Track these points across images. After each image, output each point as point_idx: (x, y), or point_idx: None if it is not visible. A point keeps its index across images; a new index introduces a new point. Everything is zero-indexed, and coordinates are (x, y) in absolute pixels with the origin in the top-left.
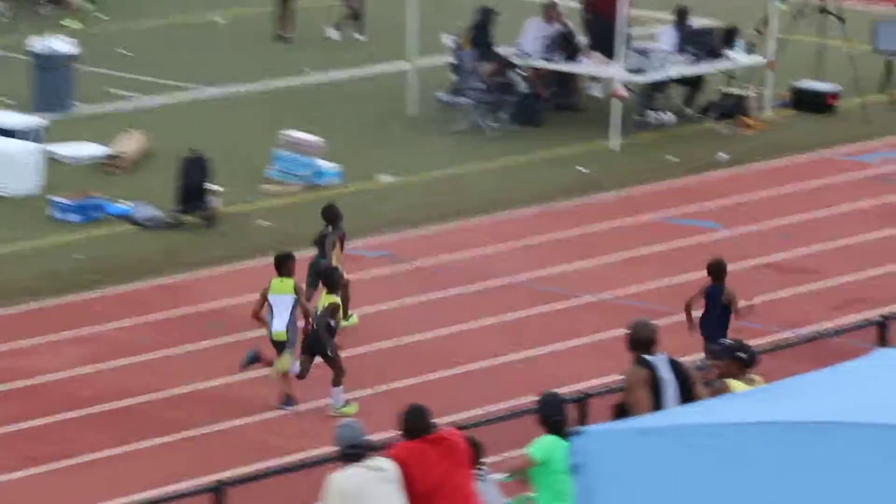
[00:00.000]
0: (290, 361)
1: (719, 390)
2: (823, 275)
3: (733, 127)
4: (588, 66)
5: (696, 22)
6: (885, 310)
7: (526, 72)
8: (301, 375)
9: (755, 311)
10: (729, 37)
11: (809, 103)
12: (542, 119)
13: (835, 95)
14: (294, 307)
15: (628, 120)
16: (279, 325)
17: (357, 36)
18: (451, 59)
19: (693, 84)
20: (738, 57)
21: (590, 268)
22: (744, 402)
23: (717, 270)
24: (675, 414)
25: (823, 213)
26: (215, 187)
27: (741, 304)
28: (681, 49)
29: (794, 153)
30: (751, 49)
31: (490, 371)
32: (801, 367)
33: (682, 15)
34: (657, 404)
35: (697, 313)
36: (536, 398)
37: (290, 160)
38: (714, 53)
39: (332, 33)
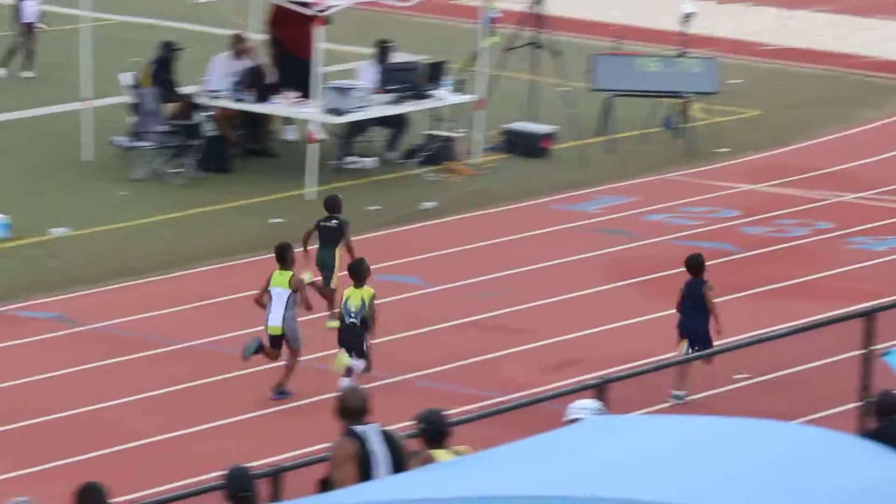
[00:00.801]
0: (346, 358)
1: (425, 460)
2: (536, 334)
3: (440, 173)
4: (281, 106)
5: (400, 57)
6: (602, 372)
7: (213, 112)
8: (349, 374)
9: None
10: (435, 73)
11: (522, 146)
12: (232, 165)
13: (549, 138)
14: (289, 300)
15: (325, 165)
16: (274, 320)
17: (25, 74)
18: (129, 98)
19: (396, 125)
20: (445, 96)
21: None
22: (444, 473)
23: (692, 265)
24: (367, 490)
25: (537, 266)
26: None
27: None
28: (382, 87)
29: (505, 201)
30: (459, 87)
31: (164, 445)
32: (512, 433)
33: (383, 50)
34: (367, 480)
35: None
36: (223, 472)
37: None
38: (419, 92)
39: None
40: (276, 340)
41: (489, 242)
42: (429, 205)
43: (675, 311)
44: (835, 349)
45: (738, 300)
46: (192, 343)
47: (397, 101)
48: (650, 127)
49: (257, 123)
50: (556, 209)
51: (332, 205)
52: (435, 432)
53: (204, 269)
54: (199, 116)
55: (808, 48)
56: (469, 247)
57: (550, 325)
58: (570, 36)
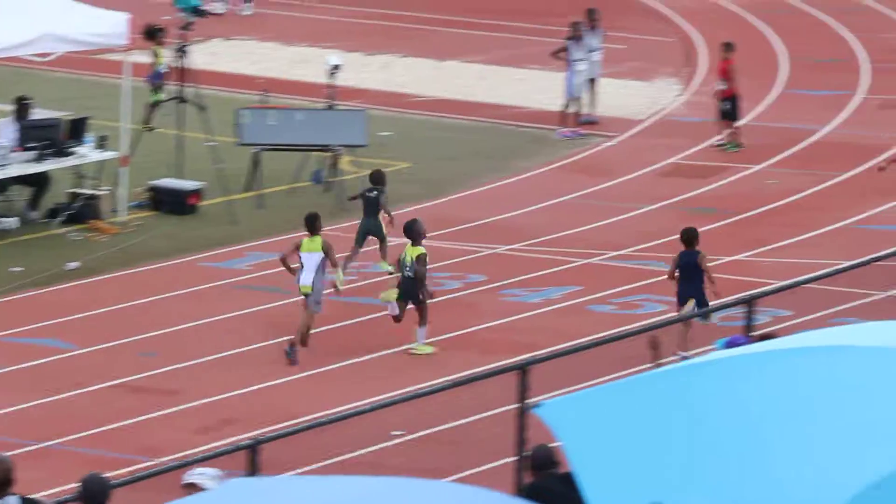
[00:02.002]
0: (394, 294)
1: None
2: (187, 395)
3: (84, 232)
4: None
5: (40, 114)
6: (256, 432)
7: None
8: (398, 318)
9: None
10: (77, 130)
11: (169, 203)
12: None
13: (197, 194)
14: (321, 263)
15: None
16: (306, 280)
17: None
18: None
19: (37, 184)
20: (87, 152)
21: None
22: None
23: (688, 237)
24: None
25: (187, 325)
26: None
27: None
28: (22, 145)
29: (153, 260)
30: (102, 143)
31: None
32: (161, 497)
33: (22, 106)
34: None
35: None
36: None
37: None
38: (60, 149)
39: None
40: (307, 297)
41: (137, 302)
42: (73, 265)
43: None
44: (491, 402)
45: (393, 356)
46: None
47: (38, 159)
48: (299, 181)
49: None
50: (206, 266)
51: (375, 177)
52: (93, 499)
53: None
54: None
55: (460, 99)
56: (116, 307)
57: (203, 385)
58: (216, 89)
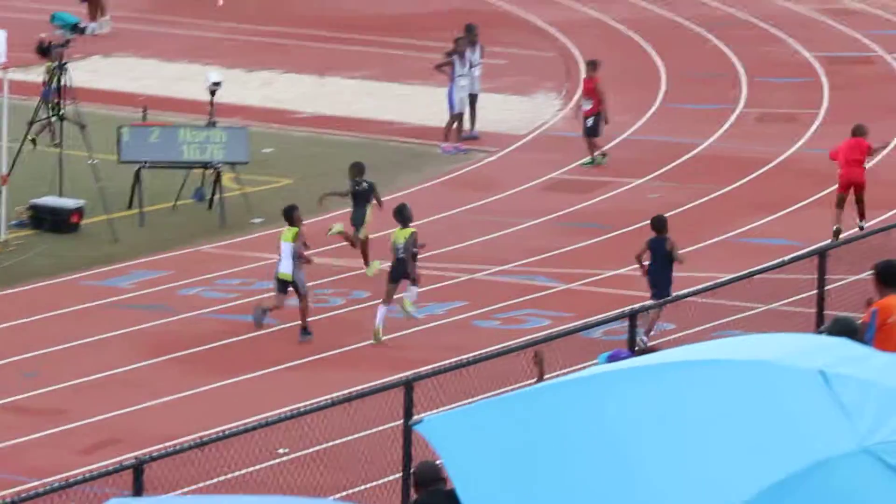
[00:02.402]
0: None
1: None
2: (70, 415)
3: None
4: None
5: None
6: (139, 452)
7: None
8: (387, 301)
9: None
10: None
11: (51, 222)
12: None
13: (78, 212)
14: (295, 252)
15: None
16: (285, 268)
17: None
18: None
19: None
20: None
21: None
22: None
23: (658, 224)
24: None
25: (70, 345)
26: None
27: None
28: None
29: (35, 279)
30: None
31: None
32: None
33: None
34: None
35: None
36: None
37: None
38: None
39: None
40: (284, 285)
41: (19, 322)
42: None
43: (635, 265)
44: (377, 419)
45: (277, 373)
46: None
47: None
48: (182, 199)
49: None
50: (88, 285)
51: (359, 170)
52: None
53: None
54: None
55: (343, 115)
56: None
57: (85, 406)
58: (96, 107)
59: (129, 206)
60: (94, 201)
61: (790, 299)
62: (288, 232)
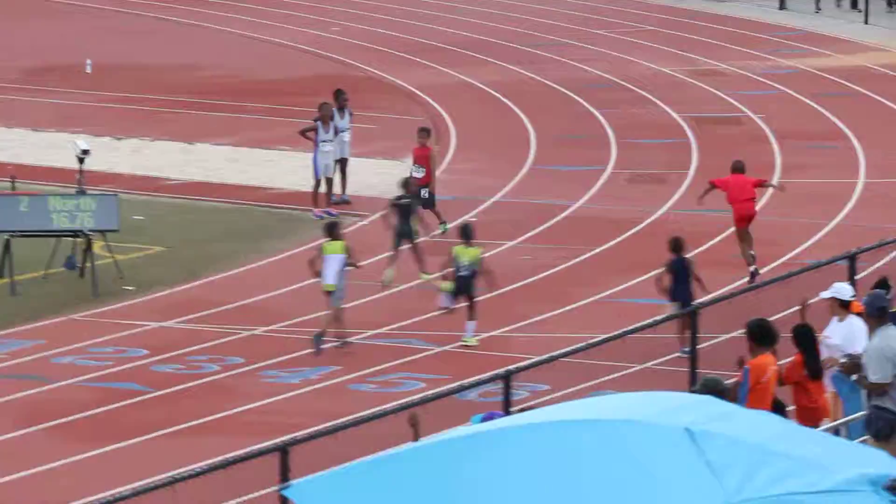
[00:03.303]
0: (449, 286)
1: None
2: None
3: None
4: None
5: None
6: None
7: None
8: (450, 309)
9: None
10: None
11: None
12: None
13: None
14: (343, 263)
15: None
16: (329, 279)
17: None
18: None
19: None
20: None
21: None
22: None
23: (676, 246)
24: None
25: None
26: None
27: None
28: None
29: None
30: None
31: None
32: None
33: None
34: None
35: None
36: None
37: None
38: None
39: None
40: (330, 294)
41: None
42: None
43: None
44: (252, 486)
45: (153, 440)
46: None
47: None
48: (53, 267)
49: None
50: None
51: (405, 183)
52: None
53: None
54: None
55: (211, 181)
56: None
57: None
58: None
59: (0, 276)
60: None
61: (663, 358)
62: (333, 245)
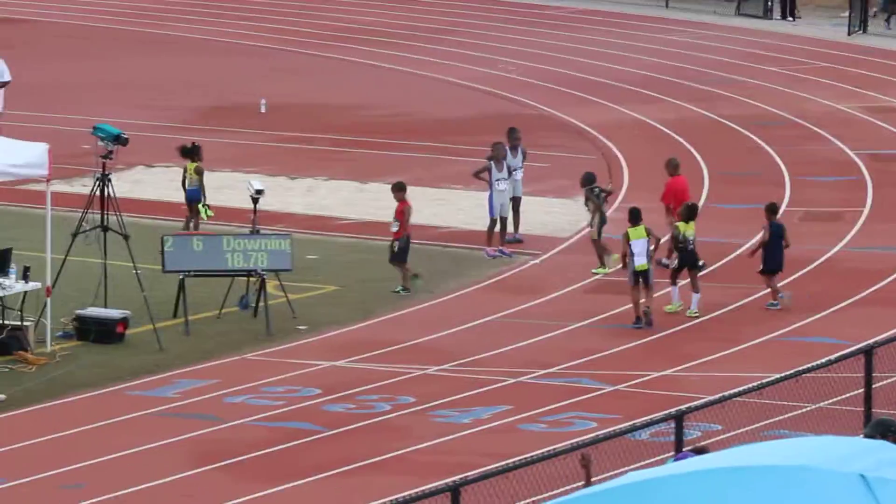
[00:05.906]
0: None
1: None
2: None
3: (10, 363)
4: None
5: None
6: None
7: None
8: (673, 282)
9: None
10: (1, 261)
11: (96, 332)
12: None
13: (124, 322)
14: (647, 245)
15: None
16: (641, 260)
17: None
18: None
19: None
20: (11, 284)
21: None
22: None
23: (773, 209)
24: None
25: (118, 454)
26: None
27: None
28: None
29: (81, 389)
30: (25, 274)
31: None
32: None
33: None
34: None
35: None
36: None
37: None
38: None
39: None
40: (645, 276)
41: (64, 434)
42: (1, 397)
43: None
44: None
45: (325, 480)
46: None
47: None
48: (227, 307)
49: None
50: (134, 395)
51: (587, 178)
52: None
53: None
54: None
55: (385, 221)
56: (46, 438)
57: None
58: (139, 217)
59: (174, 315)
60: (139, 311)
61: (837, 398)
62: (637, 231)
